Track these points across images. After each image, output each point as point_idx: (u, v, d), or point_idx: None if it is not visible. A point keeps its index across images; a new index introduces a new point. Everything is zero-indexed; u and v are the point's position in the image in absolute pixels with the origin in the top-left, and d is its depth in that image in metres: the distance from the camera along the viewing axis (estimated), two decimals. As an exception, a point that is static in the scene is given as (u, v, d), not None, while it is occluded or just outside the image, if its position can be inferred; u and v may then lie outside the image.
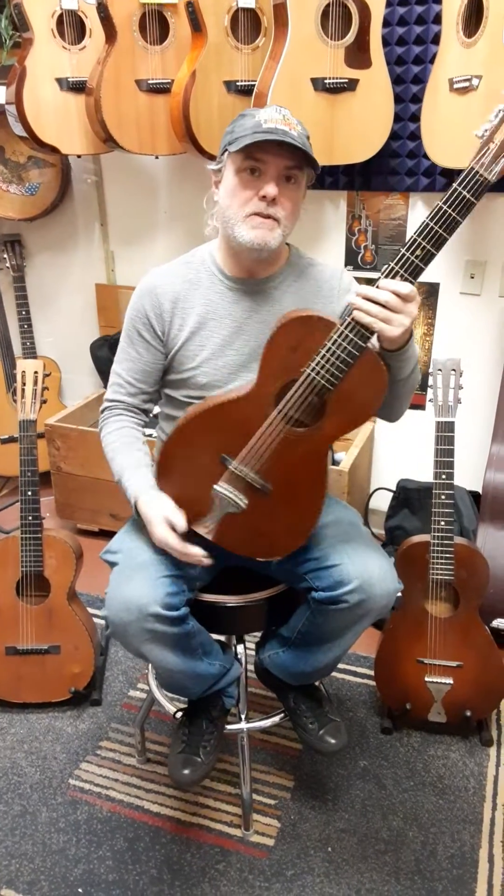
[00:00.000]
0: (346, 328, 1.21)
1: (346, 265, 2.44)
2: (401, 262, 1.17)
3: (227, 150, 1.31)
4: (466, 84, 1.84)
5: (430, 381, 1.68)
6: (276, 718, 1.61)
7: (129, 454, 1.43)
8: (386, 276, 1.18)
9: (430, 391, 1.69)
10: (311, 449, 1.30)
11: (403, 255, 1.17)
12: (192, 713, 1.52)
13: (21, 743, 1.82)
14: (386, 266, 1.20)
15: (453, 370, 1.67)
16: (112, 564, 1.39)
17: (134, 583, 1.29)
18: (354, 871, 1.51)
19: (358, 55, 2.01)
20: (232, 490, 1.31)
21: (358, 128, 2.07)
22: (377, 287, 1.18)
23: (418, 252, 1.17)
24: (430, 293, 2.35)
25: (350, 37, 1.97)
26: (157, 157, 2.31)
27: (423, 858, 1.54)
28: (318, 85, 1.99)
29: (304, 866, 1.52)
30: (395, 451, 2.58)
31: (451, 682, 1.75)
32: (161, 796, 1.68)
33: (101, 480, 2.51)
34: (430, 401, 1.69)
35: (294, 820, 1.62)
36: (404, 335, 1.21)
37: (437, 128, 2.00)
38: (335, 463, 2.31)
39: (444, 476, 1.68)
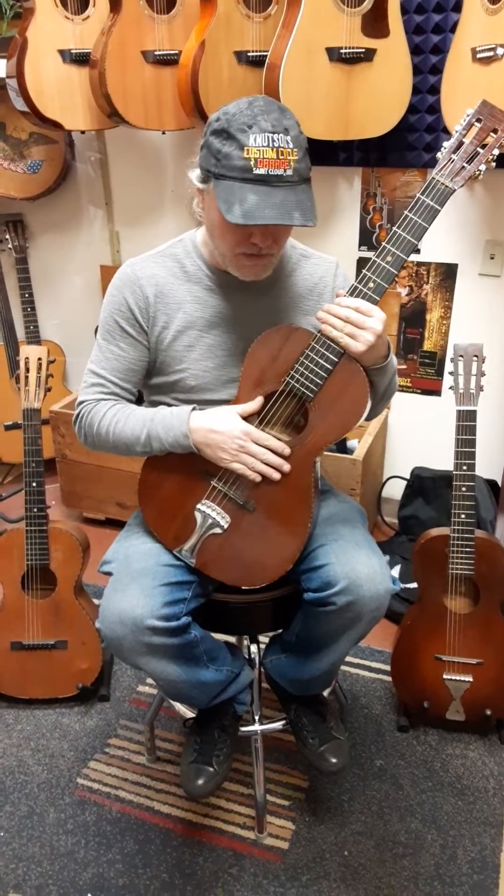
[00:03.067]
0: (318, 340, 1.22)
1: (360, 246, 2.35)
2: (363, 280, 1.20)
3: (210, 175, 1.15)
4: (490, 53, 1.75)
5: (450, 368, 1.60)
6: (291, 719, 1.56)
7: (143, 411, 1.31)
8: (349, 294, 1.21)
9: (449, 378, 1.61)
10: (296, 462, 1.25)
11: (364, 274, 1.21)
12: (203, 722, 1.47)
13: (28, 740, 1.78)
14: (352, 284, 1.22)
15: (475, 356, 1.59)
16: (109, 575, 1.32)
17: (129, 593, 1.22)
18: (372, 876, 1.47)
19: (375, 23, 1.91)
20: (215, 508, 1.28)
21: (375, 100, 1.97)
22: (336, 304, 1.20)
23: (383, 266, 1.20)
24: (448, 274, 2.27)
25: (367, 4, 1.87)
26: (163, 133, 2.22)
27: (443, 863, 1.49)
28: (334, 55, 1.89)
29: (319, 871, 1.47)
30: (409, 439, 2.51)
31: (471, 679, 1.69)
32: (171, 797, 1.63)
33: (107, 468, 2.45)
34: (450, 388, 1.61)
35: (309, 822, 1.58)
36: (371, 352, 1.20)
37: (458, 100, 1.90)
38: (348, 451, 2.24)
39: (464, 467, 1.61)
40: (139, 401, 1.40)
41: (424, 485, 2.38)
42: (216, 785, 1.39)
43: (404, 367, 2.42)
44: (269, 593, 1.37)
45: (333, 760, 1.42)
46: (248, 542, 1.28)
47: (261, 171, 1.10)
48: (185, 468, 1.28)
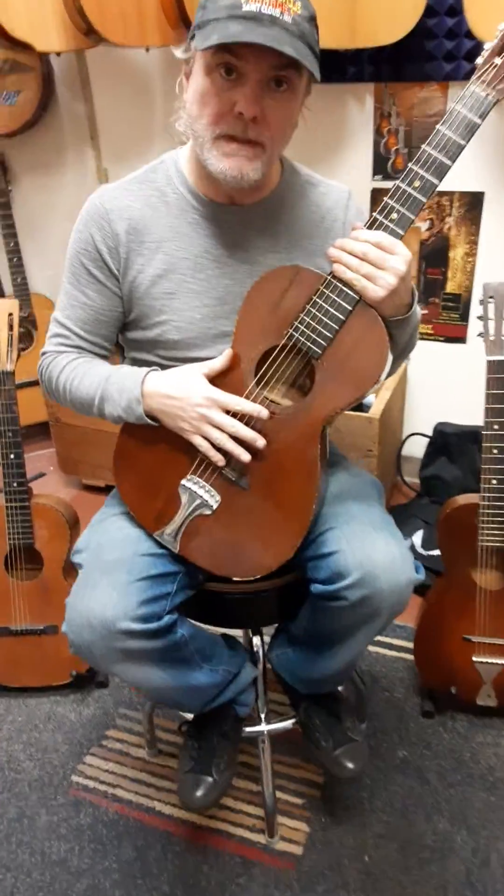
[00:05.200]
0: (327, 284, 1.01)
1: (374, 175, 2.09)
2: (384, 210, 1.00)
3: (193, 34, 0.97)
4: None
5: (478, 311, 1.38)
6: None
7: (103, 368, 1.13)
8: (367, 227, 1.00)
9: (477, 323, 1.39)
10: (300, 433, 1.05)
11: (386, 204, 1.00)
12: (200, 726, 1.30)
13: (20, 732, 1.64)
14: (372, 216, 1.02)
15: (509, 297, 1.37)
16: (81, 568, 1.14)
17: (99, 590, 1.03)
18: (395, 884, 1.32)
19: None
20: (203, 484, 1.09)
21: (386, 0, 1.70)
22: (353, 238, 0.99)
23: (409, 193, 0.98)
24: (473, 205, 2.01)
25: None
26: (147, 50, 1.96)
27: (475, 868, 1.34)
28: None
29: (337, 880, 1.33)
30: (431, 392, 2.28)
31: (504, 662, 1.52)
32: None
33: (103, 431, 2.26)
34: (478, 335, 1.39)
35: (325, 823, 1.43)
36: (393, 299, 0.99)
37: (485, -4, 1.63)
38: (364, 408, 2.03)
39: (496, 426, 1.40)
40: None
41: (448, 442, 2.17)
42: (217, 796, 1.23)
43: (425, 311, 2.18)
44: (270, 581, 1.18)
45: (350, 766, 1.26)
46: (242, 525, 1.08)
47: (251, 7, 0.89)
48: (170, 435, 1.08)
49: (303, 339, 1.03)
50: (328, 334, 1.02)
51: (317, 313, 1.02)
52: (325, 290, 1.01)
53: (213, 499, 1.08)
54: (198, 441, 1.04)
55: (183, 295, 1.10)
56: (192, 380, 1.03)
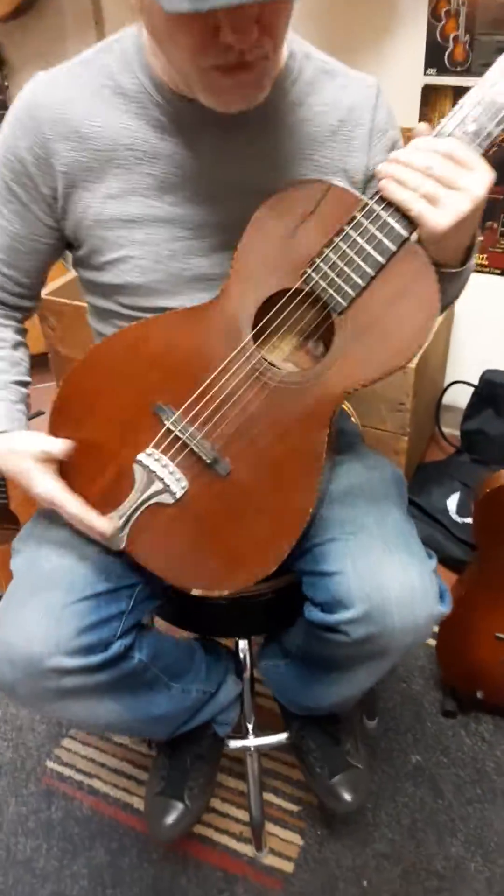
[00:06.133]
0: (367, 211, 0.76)
1: (426, 68, 1.73)
2: (458, 116, 0.73)
3: None
4: None
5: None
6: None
7: None
8: (436, 136, 0.74)
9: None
10: (304, 411, 0.80)
11: (460, 106, 0.73)
12: (171, 744, 1.12)
13: (-4, 705, 1.51)
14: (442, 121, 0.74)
15: None
16: None
17: (26, 615, 0.82)
18: (395, 918, 1.16)
19: None
20: (166, 463, 0.84)
21: None
22: (414, 148, 0.73)
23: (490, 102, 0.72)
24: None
25: None
26: None
27: (489, 904, 1.17)
28: None
29: (329, 906, 1.17)
30: (481, 334, 1.98)
31: (541, 667, 1.30)
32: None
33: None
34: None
35: (321, 837, 1.26)
36: (455, 236, 0.74)
37: None
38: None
39: None
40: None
41: (496, 392, 1.89)
42: (189, 824, 1.07)
43: (480, 238, 1.86)
44: (265, 584, 0.96)
45: (347, 797, 1.07)
46: (212, 524, 0.85)
47: None
48: (129, 394, 0.84)
49: (323, 285, 0.78)
50: (359, 281, 0.77)
51: (347, 250, 0.77)
52: (362, 220, 0.76)
53: (177, 484, 0.84)
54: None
55: (146, 223, 0.85)
56: (31, 477, 0.82)
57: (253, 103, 0.75)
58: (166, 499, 0.84)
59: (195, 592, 0.87)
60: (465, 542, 1.72)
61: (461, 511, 1.82)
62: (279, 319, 0.81)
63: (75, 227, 0.87)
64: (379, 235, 0.75)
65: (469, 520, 1.79)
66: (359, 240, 0.76)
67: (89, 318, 0.99)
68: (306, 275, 0.78)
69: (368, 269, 0.76)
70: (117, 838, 1.27)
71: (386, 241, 0.75)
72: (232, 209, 0.82)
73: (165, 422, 0.83)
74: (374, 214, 0.75)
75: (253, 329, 0.81)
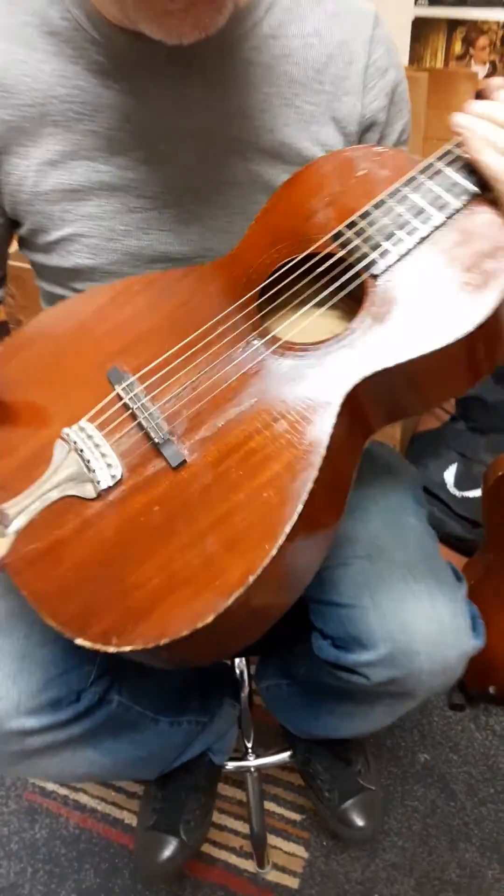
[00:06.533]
0: (427, 168, 0.64)
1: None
2: None
3: None
4: None
5: None
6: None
7: None
8: None
9: None
10: (310, 395, 0.63)
11: None
12: (164, 776, 1.01)
13: (-30, 713, 1.39)
14: None
15: None
16: None
17: None
18: (410, 934, 1.09)
19: None
20: (98, 441, 0.62)
21: None
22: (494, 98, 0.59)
23: None
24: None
25: None
26: None
27: (508, 914, 1.10)
28: None
29: (339, 925, 1.10)
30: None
31: None
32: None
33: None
34: None
35: (327, 848, 1.18)
36: None
37: None
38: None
39: None
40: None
41: (495, 357, 1.77)
42: (184, 860, 0.97)
43: None
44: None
45: (360, 823, 0.98)
46: (143, 539, 0.59)
47: None
48: (86, 349, 0.67)
49: (357, 240, 0.63)
50: (407, 238, 0.62)
51: (395, 205, 0.63)
52: (423, 179, 0.64)
53: (106, 471, 0.60)
54: None
55: (94, 193, 0.70)
56: None
57: (210, 30, 0.59)
58: (87, 491, 0.60)
59: (79, 642, 0.56)
60: (466, 518, 1.62)
61: (460, 484, 1.72)
62: (299, 286, 0.66)
63: (12, 203, 0.72)
64: (439, 192, 0.63)
65: (469, 493, 1.70)
66: (413, 197, 0.63)
67: (42, 304, 0.85)
68: (337, 231, 0.64)
69: (422, 226, 0.62)
70: (108, 858, 1.18)
71: (450, 197, 0.62)
72: (196, 169, 0.68)
73: (115, 387, 0.63)
74: (436, 171, 0.63)
75: (261, 297, 0.66)
